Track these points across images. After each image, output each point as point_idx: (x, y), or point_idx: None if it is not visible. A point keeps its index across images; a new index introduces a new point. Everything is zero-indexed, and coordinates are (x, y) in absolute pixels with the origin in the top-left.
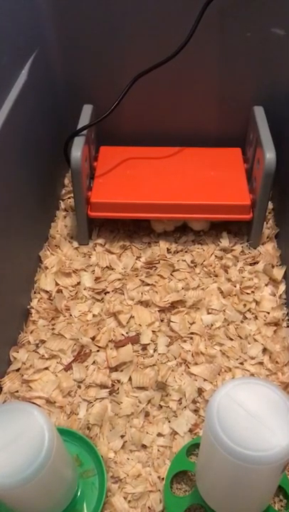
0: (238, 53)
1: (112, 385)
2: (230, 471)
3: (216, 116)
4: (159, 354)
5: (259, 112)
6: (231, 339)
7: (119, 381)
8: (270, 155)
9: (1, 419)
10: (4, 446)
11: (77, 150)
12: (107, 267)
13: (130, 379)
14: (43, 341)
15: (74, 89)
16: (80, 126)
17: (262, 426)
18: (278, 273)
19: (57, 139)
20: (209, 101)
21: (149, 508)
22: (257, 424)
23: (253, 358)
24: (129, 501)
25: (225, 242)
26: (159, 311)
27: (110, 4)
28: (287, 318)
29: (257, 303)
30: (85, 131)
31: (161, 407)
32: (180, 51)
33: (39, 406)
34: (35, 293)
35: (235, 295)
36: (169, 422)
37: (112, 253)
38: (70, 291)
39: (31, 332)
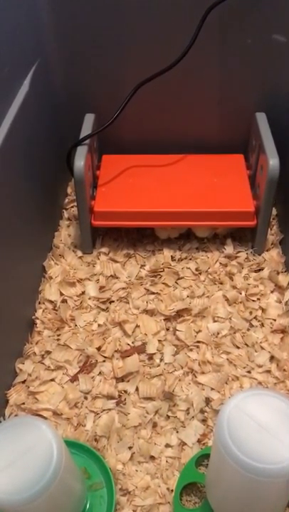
0: (239, 60)
1: (119, 396)
2: (241, 483)
3: (218, 123)
4: (165, 363)
5: (261, 119)
6: (238, 347)
7: (126, 392)
8: (273, 161)
9: (8, 434)
10: (12, 463)
11: (81, 159)
12: (111, 275)
13: (137, 389)
14: (48, 352)
15: (76, 98)
16: (82, 135)
17: (273, 438)
18: (284, 279)
19: (59, 149)
20: (211, 108)
21: None
22: (268, 436)
23: (260, 366)
24: None
25: (229, 249)
26: (164, 319)
27: (111, 14)
28: None
29: (263, 310)
30: (87, 141)
31: (168, 417)
32: (181, 59)
33: (46, 418)
34: (39, 303)
35: (240, 302)
36: (177, 432)
37: (116, 262)
38: (75, 300)
39: (36, 343)
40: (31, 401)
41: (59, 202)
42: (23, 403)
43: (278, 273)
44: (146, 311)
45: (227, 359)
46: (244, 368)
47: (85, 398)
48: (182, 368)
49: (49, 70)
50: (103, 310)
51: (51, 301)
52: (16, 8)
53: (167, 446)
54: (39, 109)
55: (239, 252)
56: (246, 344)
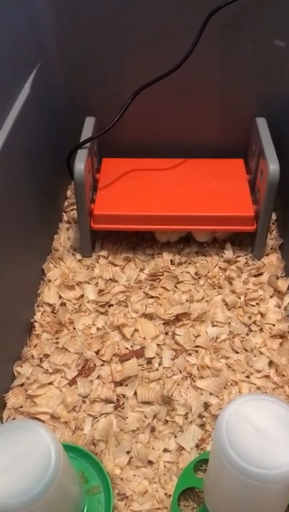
0: (239, 65)
1: (117, 400)
2: (239, 489)
3: (218, 128)
4: (164, 368)
5: (261, 123)
6: (237, 352)
7: (124, 396)
8: (273, 166)
9: (6, 438)
10: (10, 466)
11: (81, 162)
12: (110, 279)
13: (135, 393)
14: (46, 355)
15: (76, 101)
16: (82, 138)
17: (272, 443)
18: (283, 284)
19: (59, 152)
20: (211, 112)
21: None
22: (267, 441)
23: (259, 371)
24: None
25: (229, 254)
26: (163, 323)
27: (112, 17)
28: None
29: (262, 315)
30: (87, 144)
31: (167, 421)
32: (182, 64)
33: (44, 422)
34: (38, 306)
35: (240, 307)
36: (176, 437)
37: (116, 265)
38: (74, 304)
39: (35, 346)
40: (29, 404)
41: (59, 205)
42: (21, 406)
43: (278, 278)
44: (145, 315)
45: (226, 364)
46: (243, 372)
47: (83, 402)
48: (181, 372)
49: (50, 73)
50: (102, 313)
51: (50, 304)
52: (17, 11)
53: (165, 450)
54: (40, 112)
55: (239, 256)
56: (245, 349)
